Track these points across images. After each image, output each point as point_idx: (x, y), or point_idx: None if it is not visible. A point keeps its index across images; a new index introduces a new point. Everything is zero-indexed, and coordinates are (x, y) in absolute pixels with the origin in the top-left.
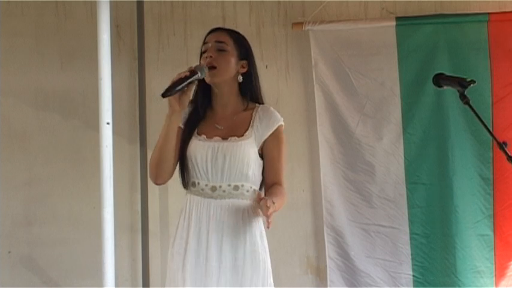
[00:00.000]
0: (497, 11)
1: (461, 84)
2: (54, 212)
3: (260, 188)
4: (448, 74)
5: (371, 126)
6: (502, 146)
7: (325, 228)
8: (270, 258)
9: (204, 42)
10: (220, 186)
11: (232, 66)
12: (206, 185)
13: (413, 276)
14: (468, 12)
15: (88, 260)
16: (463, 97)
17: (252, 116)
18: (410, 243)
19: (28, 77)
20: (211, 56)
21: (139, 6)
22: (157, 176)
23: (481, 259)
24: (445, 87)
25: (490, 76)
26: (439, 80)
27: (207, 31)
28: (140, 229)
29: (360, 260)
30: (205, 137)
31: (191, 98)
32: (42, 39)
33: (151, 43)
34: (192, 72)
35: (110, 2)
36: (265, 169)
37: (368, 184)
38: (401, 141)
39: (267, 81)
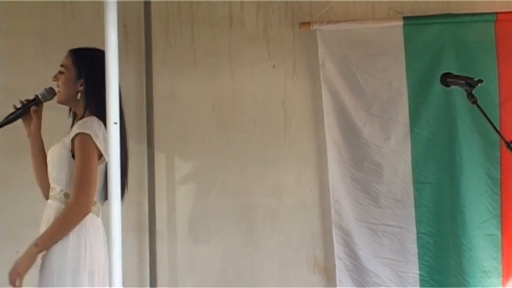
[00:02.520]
0: (505, 10)
1: (469, 83)
2: None
3: None
4: (455, 73)
5: (378, 126)
6: (510, 145)
7: (333, 227)
8: (278, 257)
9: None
10: (54, 188)
11: (69, 87)
12: (54, 188)
13: (420, 275)
14: (475, 11)
15: None
16: (471, 97)
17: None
18: (418, 242)
19: (33, 77)
20: (56, 79)
21: (147, 6)
22: (43, 193)
23: (488, 259)
24: (452, 87)
25: (498, 76)
26: (447, 79)
27: (214, 31)
28: (147, 229)
29: (368, 260)
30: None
31: None
32: (49, 39)
33: (159, 43)
34: (32, 99)
35: (118, 2)
36: None
37: (375, 184)
38: (409, 141)
39: (274, 81)
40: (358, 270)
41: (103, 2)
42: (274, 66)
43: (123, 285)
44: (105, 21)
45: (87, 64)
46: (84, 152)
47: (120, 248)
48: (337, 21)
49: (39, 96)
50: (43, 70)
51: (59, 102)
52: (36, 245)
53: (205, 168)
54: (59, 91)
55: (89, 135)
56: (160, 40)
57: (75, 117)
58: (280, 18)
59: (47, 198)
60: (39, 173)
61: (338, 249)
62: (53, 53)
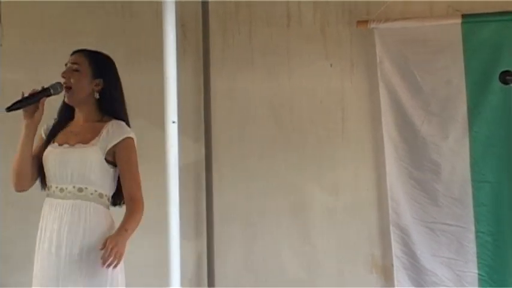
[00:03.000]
0: None
1: None
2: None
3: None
4: None
5: (436, 124)
6: None
7: (391, 226)
8: (335, 256)
9: (65, 64)
10: (66, 188)
11: (84, 84)
12: (56, 187)
13: (479, 274)
14: None
15: (152, 259)
16: None
17: (102, 127)
18: (476, 241)
19: None
20: (67, 77)
21: (204, 5)
22: (17, 183)
23: None
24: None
25: None
26: (506, 77)
27: (272, 30)
28: (205, 227)
29: (426, 259)
30: (57, 144)
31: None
32: (107, 39)
33: (216, 42)
34: (44, 89)
35: (176, 2)
36: (121, 181)
37: (434, 182)
38: (467, 139)
39: (331, 79)
40: (416, 269)
41: (161, 2)
42: (331, 65)
43: (181, 286)
44: (163, 21)
45: (103, 66)
46: (135, 155)
47: (178, 247)
48: (394, 20)
49: (51, 89)
50: None
51: (70, 98)
52: (126, 230)
53: (263, 166)
54: (70, 87)
55: (133, 139)
56: (218, 39)
57: (68, 119)
58: (338, 17)
59: (18, 189)
60: (23, 163)
61: (396, 248)
62: (111, 52)
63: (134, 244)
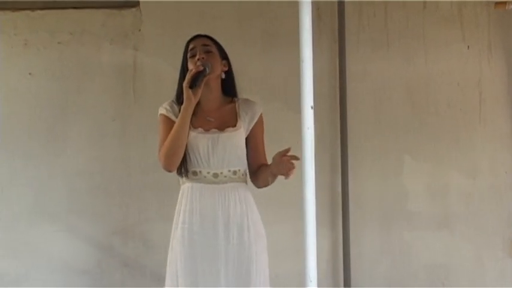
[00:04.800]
0: None
1: None
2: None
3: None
4: None
5: None
6: None
7: None
8: (473, 240)
9: (190, 49)
10: (221, 173)
11: (218, 64)
12: (208, 173)
13: None
14: None
15: (287, 241)
16: None
17: (236, 108)
18: None
19: (231, 60)
20: (203, 58)
21: None
22: (174, 164)
23: None
24: None
25: None
26: None
27: (408, 12)
28: (341, 210)
29: None
30: (202, 129)
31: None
32: (244, 24)
33: (352, 25)
34: (204, 69)
35: None
36: (251, 154)
37: None
38: None
39: (469, 62)
40: None
41: None
42: (468, 47)
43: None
44: (298, 3)
45: (223, 48)
46: (264, 129)
47: (314, 230)
48: None
49: (207, 69)
50: (240, 50)
51: (209, 78)
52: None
53: (399, 149)
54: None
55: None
56: (353, 22)
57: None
58: None
59: (172, 169)
60: (182, 143)
61: None
62: (248, 36)
63: (270, 229)
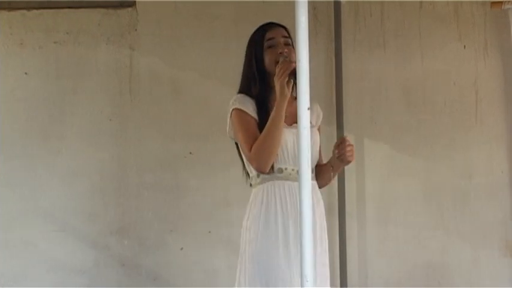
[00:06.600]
0: None
1: None
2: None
3: None
4: None
5: None
6: None
7: None
8: (469, 240)
9: (268, 39)
10: None
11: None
12: (293, 170)
13: None
14: None
15: None
16: None
17: None
18: None
19: (226, 59)
20: (286, 51)
21: None
22: (271, 164)
23: None
24: None
25: None
26: None
27: (404, 12)
28: (337, 211)
29: None
30: (285, 124)
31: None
32: (242, 24)
33: (348, 24)
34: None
35: None
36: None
37: None
38: None
39: (465, 61)
40: None
41: None
42: (465, 47)
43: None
44: (295, 3)
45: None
46: None
47: (310, 230)
48: None
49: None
50: (237, 53)
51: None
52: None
53: (395, 149)
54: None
55: None
56: (349, 21)
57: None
58: None
59: (266, 170)
60: (278, 140)
61: None
62: (246, 37)
63: None
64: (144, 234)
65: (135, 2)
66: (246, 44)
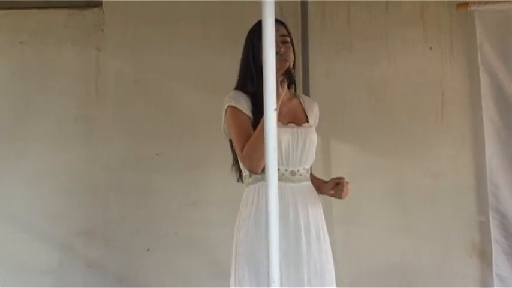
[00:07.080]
0: None
1: None
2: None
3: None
4: None
5: None
6: None
7: (490, 211)
8: (433, 241)
9: None
10: (298, 170)
11: (292, 58)
12: (286, 170)
13: None
14: None
15: None
16: None
17: (301, 104)
18: None
19: (194, 60)
20: (283, 50)
21: None
22: (262, 164)
23: None
24: None
25: None
26: None
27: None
28: None
29: None
30: (280, 123)
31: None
32: (207, 25)
33: (315, 25)
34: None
35: None
36: None
37: None
38: None
39: (431, 63)
40: None
41: None
42: (431, 48)
43: None
44: (262, 3)
45: (292, 39)
46: None
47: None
48: (496, 2)
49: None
50: (203, 54)
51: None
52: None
53: (361, 149)
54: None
55: None
56: (316, 22)
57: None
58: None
59: (259, 171)
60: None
61: (495, 233)
62: (210, 37)
63: None
64: (110, 235)
65: (101, 2)
66: (214, 44)
